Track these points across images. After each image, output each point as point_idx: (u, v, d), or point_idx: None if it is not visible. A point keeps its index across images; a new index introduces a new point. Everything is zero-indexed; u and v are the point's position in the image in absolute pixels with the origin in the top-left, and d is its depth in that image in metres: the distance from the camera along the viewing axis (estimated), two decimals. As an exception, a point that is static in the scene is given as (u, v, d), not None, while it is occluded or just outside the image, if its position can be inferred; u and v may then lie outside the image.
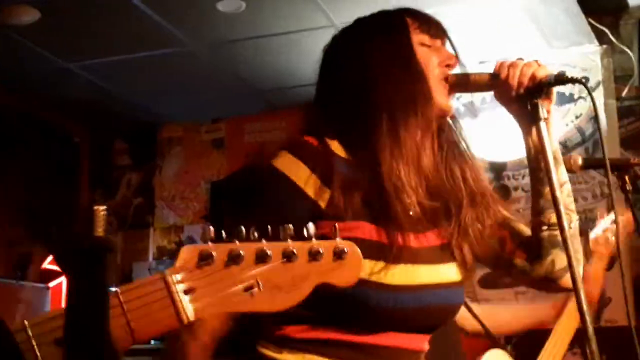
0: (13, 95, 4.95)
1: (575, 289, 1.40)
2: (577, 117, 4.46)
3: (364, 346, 1.45)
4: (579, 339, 2.72)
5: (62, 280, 4.58)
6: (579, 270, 1.54)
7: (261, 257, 0.87)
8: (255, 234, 0.88)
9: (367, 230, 1.42)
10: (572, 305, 2.69)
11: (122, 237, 5.46)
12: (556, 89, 1.53)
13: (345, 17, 1.71)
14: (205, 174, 5.46)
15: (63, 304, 0.86)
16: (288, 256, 0.87)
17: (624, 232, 2.60)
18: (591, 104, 1.49)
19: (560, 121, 4.41)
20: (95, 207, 0.85)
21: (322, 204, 1.41)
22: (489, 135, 4.41)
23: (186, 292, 0.87)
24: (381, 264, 1.41)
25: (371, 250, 1.38)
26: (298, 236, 0.89)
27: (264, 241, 0.88)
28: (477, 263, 1.62)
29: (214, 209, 5.15)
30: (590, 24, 4.33)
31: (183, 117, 5.49)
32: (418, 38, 1.57)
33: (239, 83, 4.89)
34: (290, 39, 4.28)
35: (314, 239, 0.88)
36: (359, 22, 1.63)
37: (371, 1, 3.78)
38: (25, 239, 4.61)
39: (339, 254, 0.89)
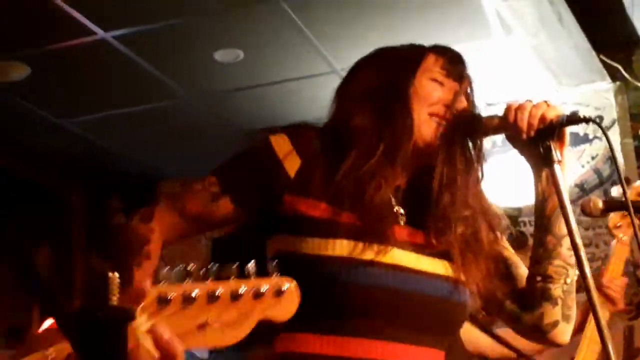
0: (2, 154, 4.99)
1: (602, 342, 1.42)
2: (593, 158, 4.50)
3: None
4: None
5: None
6: (567, 329, 1.62)
7: (212, 298, 1.00)
8: (201, 273, 1.02)
9: (332, 212, 1.51)
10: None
11: (118, 303, 5.42)
12: (570, 129, 1.54)
13: (346, 63, 1.78)
14: (205, 231, 5.45)
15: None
16: (235, 296, 1.01)
17: None
18: (607, 144, 1.41)
19: (575, 163, 4.47)
20: (110, 275, 0.92)
21: (291, 173, 1.53)
22: (501, 179, 4.48)
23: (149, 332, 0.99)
24: (352, 243, 1.47)
25: (346, 231, 1.48)
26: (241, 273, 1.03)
27: (210, 281, 1.01)
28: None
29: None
30: (601, 60, 4.40)
31: (182, 172, 5.35)
32: (431, 73, 1.62)
33: (239, 134, 4.87)
34: (289, 87, 4.38)
35: (253, 278, 1.04)
36: (383, 50, 1.71)
37: (374, 46, 3.94)
38: (24, 305, 4.66)
39: (279, 292, 1.04)
